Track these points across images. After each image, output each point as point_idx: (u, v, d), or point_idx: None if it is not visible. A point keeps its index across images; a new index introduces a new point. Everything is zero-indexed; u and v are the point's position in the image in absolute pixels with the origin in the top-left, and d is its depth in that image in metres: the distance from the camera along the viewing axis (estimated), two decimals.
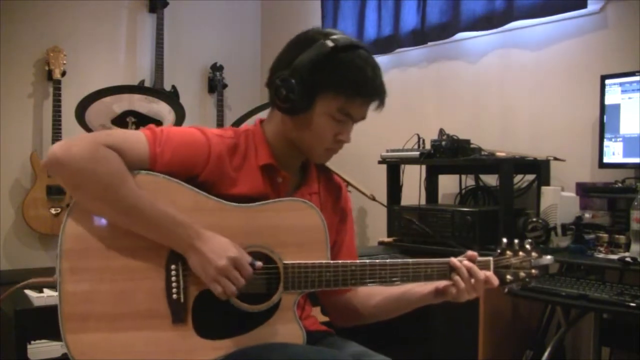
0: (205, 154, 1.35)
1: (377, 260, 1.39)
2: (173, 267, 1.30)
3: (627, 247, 2.18)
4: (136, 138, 1.32)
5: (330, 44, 1.35)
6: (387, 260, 1.39)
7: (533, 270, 1.47)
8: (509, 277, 1.46)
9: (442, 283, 1.44)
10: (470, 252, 1.44)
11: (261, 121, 1.49)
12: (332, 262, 1.37)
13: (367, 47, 1.43)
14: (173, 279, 1.30)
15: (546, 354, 2.34)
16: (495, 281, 1.41)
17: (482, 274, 1.40)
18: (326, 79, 1.35)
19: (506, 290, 1.48)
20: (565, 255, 2.27)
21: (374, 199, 1.58)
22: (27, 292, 2.05)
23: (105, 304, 1.27)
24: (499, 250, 1.48)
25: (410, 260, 1.41)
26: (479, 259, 1.44)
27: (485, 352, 2.40)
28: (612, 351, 2.48)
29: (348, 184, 1.58)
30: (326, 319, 1.63)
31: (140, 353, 1.28)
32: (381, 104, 1.42)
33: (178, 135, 1.35)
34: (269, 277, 1.35)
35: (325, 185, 1.55)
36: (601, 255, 2.21)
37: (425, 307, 1.50)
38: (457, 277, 1.40)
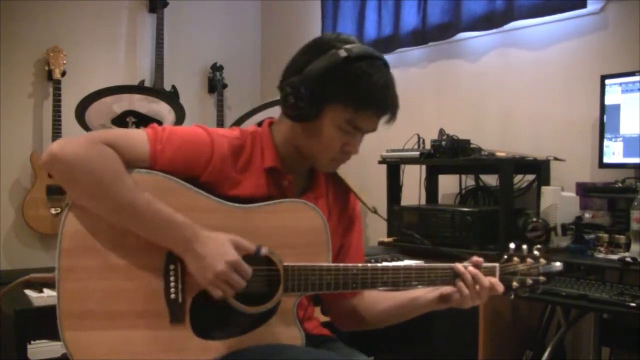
0: (208, 154, 1.33)
1: (380, 264, 1.38)
2: (172, 267, 1.29)
3: (627, 247, 2.18)
4: (137, 136, 1.31)
5: (343, 53, 1.32)
6: (390, 264, 1.39)
7: (541, 278, 1.43)
8: (515, 283, 1.42)
9: (446, 289, 1.42)
10: (475, 258, 1.42)
11: (270, 123, 1.47)
12: (333, 265, 1.35)
13: (383, 58, 1.39)
14: (172, 279, 1.29)
15: (546, 354, 2.34)
16: (501, 288, 1.38)
17: (487, 280, 1.37)
18: (335, 90, 1.33)
19: (512, 296, 1.44)
20: (565, 255, 2.26)
21: (375, 211, 1.56)
22: (27, 292, 2.05)
23: (103, 302, 1.26)
24: (505, 256, 1.45)
25: (413, 264, 1.39)
26: (485, 265, 1.41)
27: (485, 352, 2.40)
28: (612, 351, 2.48)
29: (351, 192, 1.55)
30: (326, 318, 1.63)
31: (137, 352, 1.27)
32: (392, 117, 1.40)
33: (181, 134, 1.33)
34: (269, 279, 1.34)
35: (334, 190, 1.53)
36: (601, 255, 2.20)
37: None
38: (461, 284, 1.38)
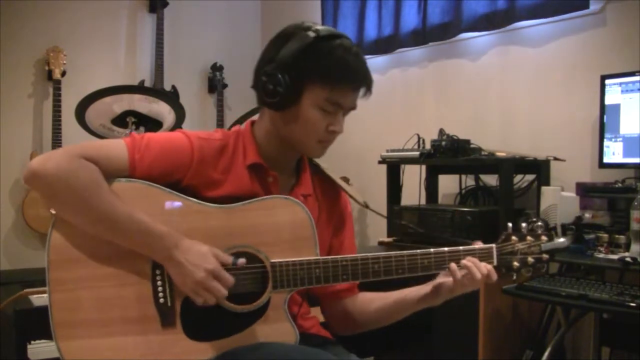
0: (188, 158, 1.34)
1: (370, 254, 1.35)
2: (158, 271, 1.30)
3: (627, 247, 2.18)
4: (116, 147, 1.32)
5: (312, 34, 1.34)
6: (381, 254, 1.35)
7: (544, 255, 1.39)
8: (515, 263, 1.39)
9: (439, 280, 1.40)
10: (474, 245, 1.39)
11: (252, 122, 1.47)
12: (321, 258, 1.34)
13: (349, 37, 1.42)
14: (159, 283, 1.30)
15: (546, 354, 2.34)
16: (494, 276, 1.36)
17: (483, 266, 1.35)
18: (311, 69, 1.33)
19: (515, 276, 1.40)
20: (565, 255, 2.26)
21: (366, 206, 1.54)
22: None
23: (94, 310, 1.28)
24: (503, 236, 1.41)
25: (405, 252, 1.37)
26: (481, 246, 1.39)
27: (485, 352, 2.40)
28: (612, 351, 2.48)
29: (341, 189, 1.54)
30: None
31: (131, 357, 1.28)
32: (368, 90, 1.40)
33: (159, 141, 1.34)
34: (258, 277, 1.33)
35: (322, 189, 1.52)
36: (601, 255, 2.20)
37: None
38: (453, 265, 1.36)
